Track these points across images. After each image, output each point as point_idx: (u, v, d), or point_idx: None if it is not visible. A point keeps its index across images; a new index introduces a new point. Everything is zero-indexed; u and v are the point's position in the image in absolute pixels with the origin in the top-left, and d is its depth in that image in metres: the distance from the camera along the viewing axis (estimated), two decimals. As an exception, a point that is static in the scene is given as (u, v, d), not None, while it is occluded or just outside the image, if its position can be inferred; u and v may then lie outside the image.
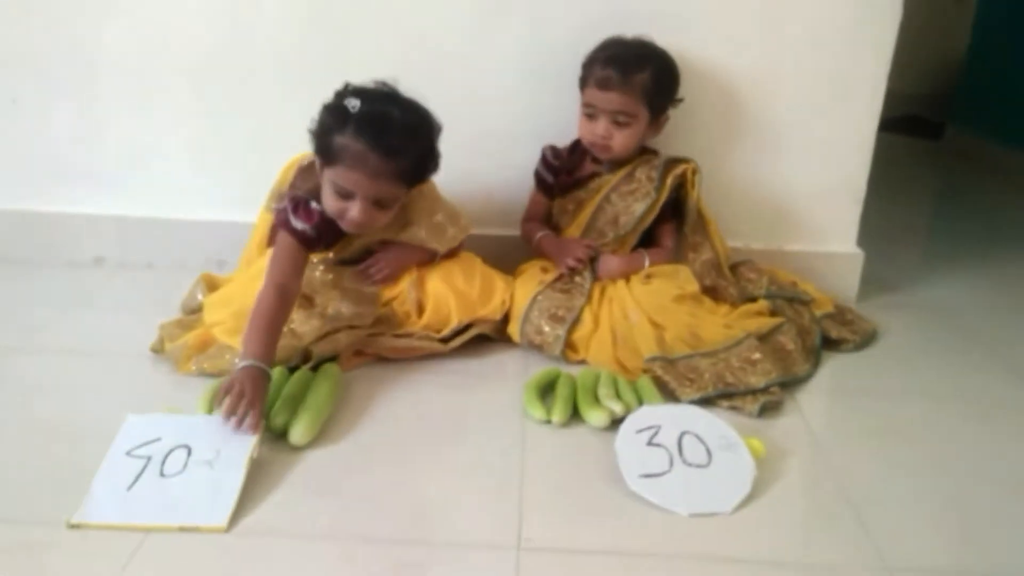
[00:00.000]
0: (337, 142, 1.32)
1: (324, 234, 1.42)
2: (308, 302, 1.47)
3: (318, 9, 1.64)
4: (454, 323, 1.46)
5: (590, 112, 1.53)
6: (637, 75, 1.49)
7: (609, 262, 1.56)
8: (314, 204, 1.41)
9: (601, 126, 1.52)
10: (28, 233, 1.82)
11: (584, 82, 1.55)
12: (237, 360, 1.23)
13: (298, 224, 1.39)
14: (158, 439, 1.15)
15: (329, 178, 1.36)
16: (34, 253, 1.83)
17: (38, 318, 1.57)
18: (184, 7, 1.66)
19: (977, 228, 2.43)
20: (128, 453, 1.13)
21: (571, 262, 1.53)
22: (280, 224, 1.41)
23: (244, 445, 1.12)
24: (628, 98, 1.49)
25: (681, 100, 1.59)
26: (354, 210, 1.35)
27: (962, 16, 3.62)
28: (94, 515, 1.03)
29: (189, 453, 1.12)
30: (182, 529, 1.01)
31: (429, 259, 1.53)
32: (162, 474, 1.10)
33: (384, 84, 1.39)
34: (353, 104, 1.32)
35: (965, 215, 2.59)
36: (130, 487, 1.08)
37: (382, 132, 1.31)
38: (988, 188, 2.91)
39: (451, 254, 1.57)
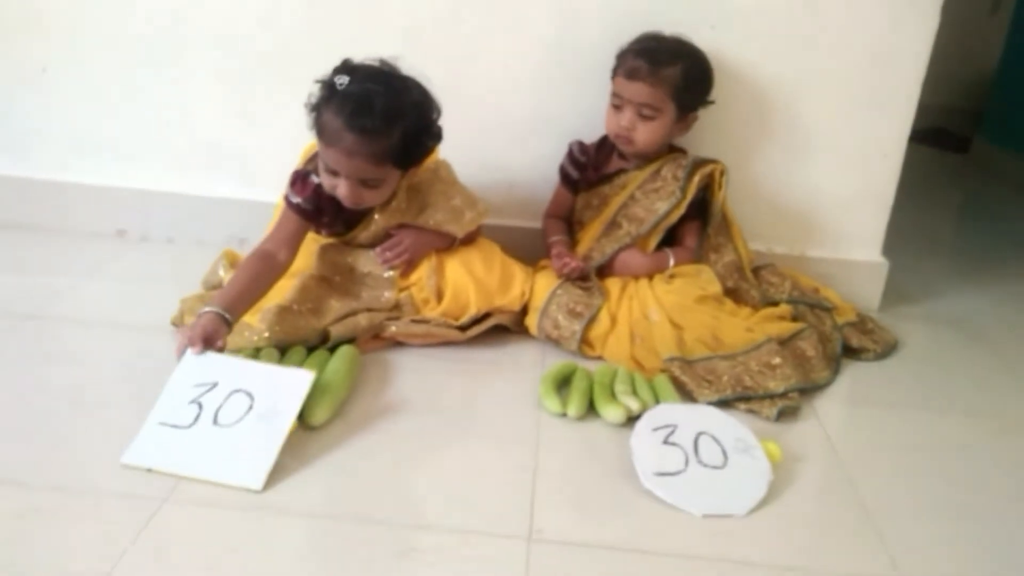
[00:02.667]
0: (323, 118, 1.34)
1: (324, 208, 1.43)
2: (327, 283, 1.47)
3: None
4: (472, 311, 1.46)
5: (617, 103, 1.53)
6: (667, 69, 1.48)
7: (632, 259, 1.54)
8: (313, 178, 1.42)
9: (626, 117, 1.51)
10: (52, 202, 1.83)
11: (614, 72, 1.54)
12: (205, 307, 1.25)
13: (293, 197, 1.42)
14: (215, 384, 1.15)
15: (319, 153, 1.38)
16: (58, 222, 1.83)
17: (58, 287, 1.58)
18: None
19: (1001, 243, 2.40)
20: (183, 397, 1.14)
21: (558, 265, 1.51)
22: (284, 197, 1.44)
23: (295, 399, 1.12)
24: (655, 91, 1.48)
25: (712, 102, 1.58)
26: (341, 187, 1.36)
27: (995, 31, 3.58)
28: (140, 458, 1.06)
29: (251, 404, 1.12)
30: (217, 485, 1.03)
31: (448, 245, 1.52)
32: (216, 422, 1.10)
33: (384, 62, 1.38)
34: (341, 81, 1.33)
35: (990, 229, 2.56)
36: (181, 433, 1.09)
37: (359, 111, 1.30)
38: (1013, 203, 2.87)
39: (470, 240, 1.56)
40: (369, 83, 1.33)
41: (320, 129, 1.34)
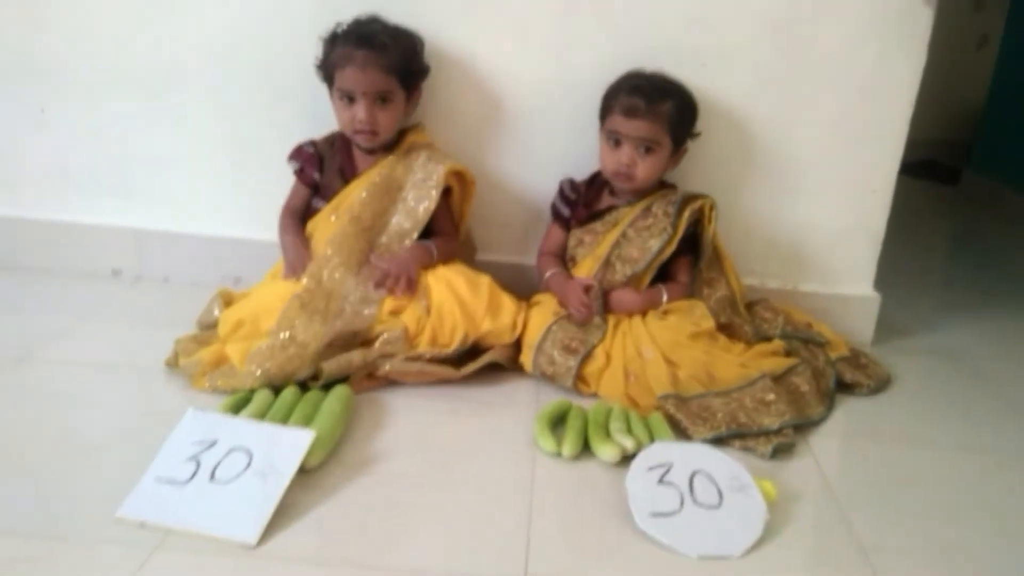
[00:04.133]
0: (333, 55, 1.54)
1: (312, 163, 1.63)
2: (310, 299, 1.46)
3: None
4: (460, 334, 1.46)
5: (615, 140, 1.54)
6: (662, 104, 1.51)
7: (626, 297, 1.55)
8: (304, 145, 1.65)
9: (626, 154, 1.53)
10: (48, 242, 1.84)
11: (607, 111, 1.56)
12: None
13: (291, 165, 1.66)
14: (214, 442, 1.15)
15: (334, 95, 1.56)
16: (52, 262, 1.84)
17: (53, 328, 1.58)
18: (212, 23, 1.68)
19: (992, 275, 2.42)
20: (182, 454, 1.14)
21: (576, 312, 1.51)
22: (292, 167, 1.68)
23: (294, 458, 1.12)
24: (654, 126, 1.51)
25: (699, 134, 1.60)
26: (359, 111, 1.52)
27: (983, 63, 3.63)
28: (134, 511, 1.05)
29: (249, 462, 1.12)
30: (211, 539, 1.02)
31: (429, 258, 1.56)
32: (213, 478, 1.10)
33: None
34: (339, 27, 1.56)
35: (980, 261, 2.58)
36: (178, 488, 1.08)
37: (365, 35, 1.53)
38: (1004, 235, 2.90)
39: (450, 260, 1.59)
40: (365, 21, 1.57)
41: (332, 65, 1.54)
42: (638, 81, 1.54)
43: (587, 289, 1.53)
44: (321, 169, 1.63)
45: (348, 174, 1.62)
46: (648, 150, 1.52)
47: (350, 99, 1.53)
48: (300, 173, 1.65)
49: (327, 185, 1.63)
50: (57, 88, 1.75)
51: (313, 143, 1.65)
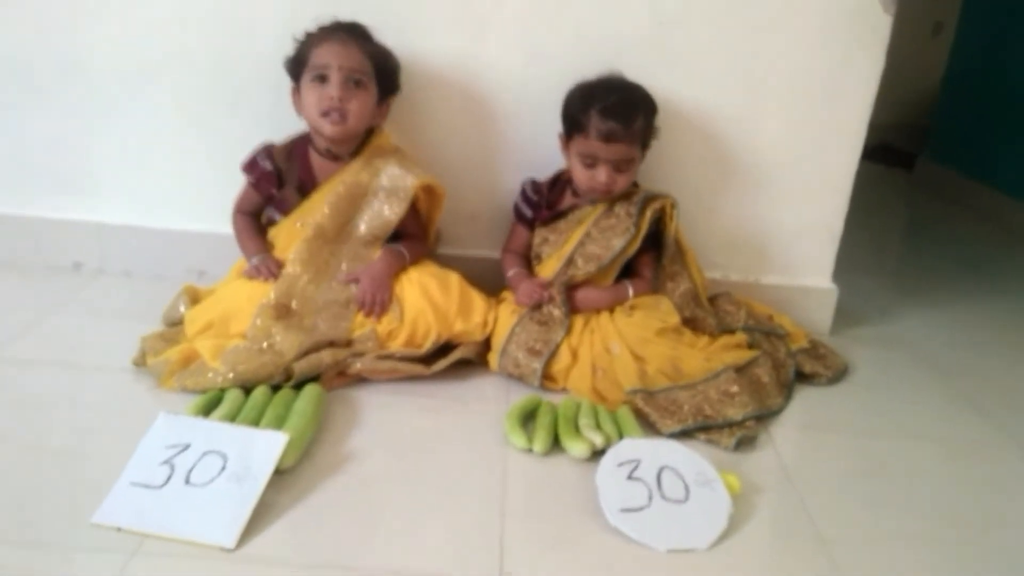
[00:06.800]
0: (310, 45, 1.51)
1: (269, 181, 1.58)
2: (286, 311, 1.47)
3: (314, 22, 1.58)
4: (433, 336, 1.48)
5: (589, 162, 1.54)
6: (635, 123, 1.52)
7: (591, 294, 1.57)
8: (260, 158, 1.57)
9: (603, 173, 1.53)
10: (6, 236, 1.80)
11: (579, 131, 1.53)
12: (252, 259, 1.54)
13: (246, 175, 1.60)
14: (188, 445, 1.16)
15: (306, 78, 1.51)
16: (12, 256, 1.81)
17: (15, 325, 1.56)
18: (172, 14, 1.65)
19: (946, 262, 2.48)
20: (155, 458, 1.14)
21: (523, 299, 1.55)
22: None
23: (269, 460, 1.12)
24: (631, 147, 1.53)
25: (658, 129, 1.61)
26: (332, 88, 1.47)
27: (939, 49, 3.70)
28: (110, 517, 1.05)
29: (224, 465, 1.12)
30: (189, 543, 1.03)
31: (400, 264, 1.56)
32: (188, 482, 1.10)
33: None
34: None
35: (934, 248, 2.65)
36: (153, 493, 1.09)
37: (343, 23, 1.53)
38: (956, 221, 2.97)
39: (420, 261, 1.60)
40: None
41: (307, 48, 1.51)
42: (608, 101, 1.52)
43: (546, 285, 1.55)
44: (279, 185, 1.59)
45: (308, 187, 1.58)
46: (625, 167, 1.54)
47: (322, 79, 1.48)
48: (255, 185, 1.59)
49: (285, 199, 1.59)
50: (10, 83, 1.71)
51: (270, 155, 1.57)
